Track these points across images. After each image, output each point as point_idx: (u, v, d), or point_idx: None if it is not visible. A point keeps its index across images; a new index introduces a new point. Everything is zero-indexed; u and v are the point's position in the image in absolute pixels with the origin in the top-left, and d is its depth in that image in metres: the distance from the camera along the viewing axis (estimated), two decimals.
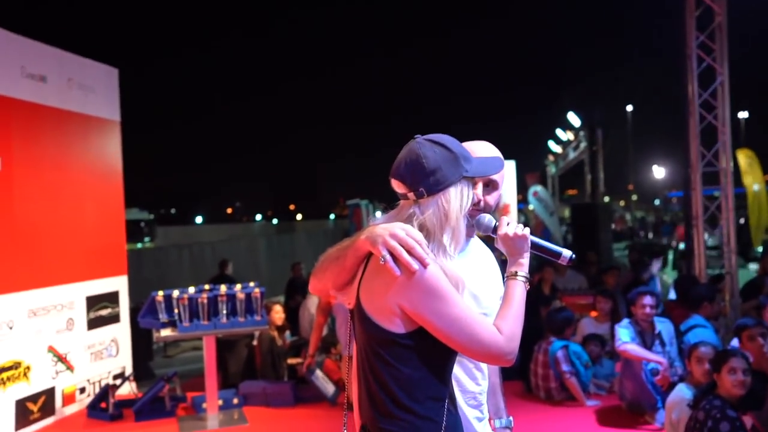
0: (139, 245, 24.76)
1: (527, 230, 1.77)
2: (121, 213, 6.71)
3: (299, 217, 62.95)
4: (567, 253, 1.77)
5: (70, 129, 5.97)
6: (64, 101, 5.87)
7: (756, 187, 14.71)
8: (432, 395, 1.58)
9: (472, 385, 1.98)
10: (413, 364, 1.57)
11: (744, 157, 14.68)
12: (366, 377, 1.62)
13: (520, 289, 1.69)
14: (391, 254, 1.54)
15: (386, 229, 1.57)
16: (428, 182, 1.59)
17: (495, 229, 1.82)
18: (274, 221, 53.37)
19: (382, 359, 1.58)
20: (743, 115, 38.17)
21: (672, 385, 4.72)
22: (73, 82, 5.94)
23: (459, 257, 1.97)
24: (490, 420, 2.18)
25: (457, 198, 1.60)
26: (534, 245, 1.79)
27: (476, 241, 2.07)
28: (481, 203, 1.85)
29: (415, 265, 1.52)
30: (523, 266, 1.73)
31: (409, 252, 1.53)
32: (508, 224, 1.78)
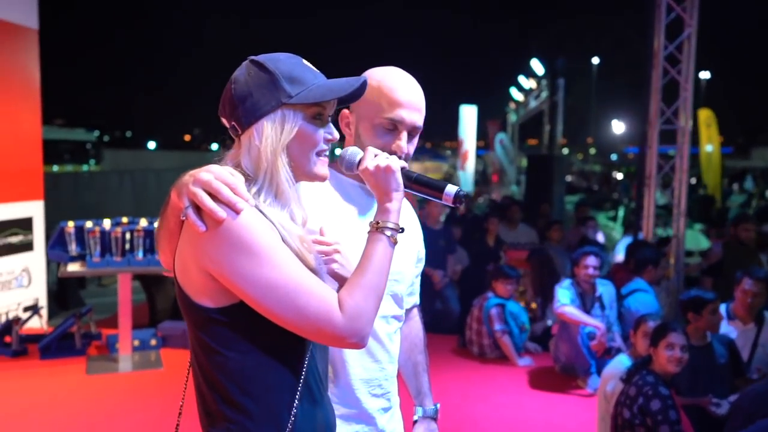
0: (85, 168, 23.75)
1: (398, 162, 1.34)
2: (37, 132, 6.12)
3: None
4: (452, 189, 1.34)
5: None
6: None
7: (709, 147, 14.78)
8: (273, 389, 1.21)
9: (375, 369, 1.61)
10: (242, 347, 1.20)
11: (704, 117, 14.68)
12: (194, 369, 1.26)
13: (382, 248, 1.26)
14: (196, 205, 1.16)
15: (192, 175, 1.19)
16: (238, 114, 1.22)
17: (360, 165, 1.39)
18: None
19: (204, 345, 1.21)
20: (705, 75, 38.38)
21: (608, 351, 4.57)
22: None
23: (358, 218, 1.61)
24: (412, 406, 1.86)
25: (273, 132, 1.21)
26: (410, 182, 1.36)
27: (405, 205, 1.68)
28: (332, 144, 1.33)
29: (222, 213, 1.14)
30: (390, 213, 1.30)
31: (216, 197, 1.15)
32: (375, 156, 1.35)
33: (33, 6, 5.88)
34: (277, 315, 1.15)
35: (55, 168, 19.73)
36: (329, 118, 1.29)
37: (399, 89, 1.55)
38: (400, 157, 1.56)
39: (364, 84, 1.30)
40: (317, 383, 1.30)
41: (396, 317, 1.68)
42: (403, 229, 1.30)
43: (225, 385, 1.20)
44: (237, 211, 1.15)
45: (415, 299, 1.84)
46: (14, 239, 5.80)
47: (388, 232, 1.27)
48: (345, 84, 1.26)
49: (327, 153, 1.29)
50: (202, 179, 1.17)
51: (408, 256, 1.69)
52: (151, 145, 55.06)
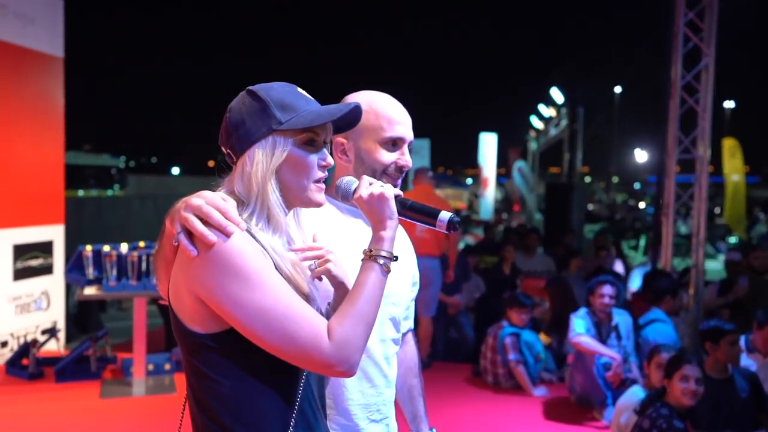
0: (110, 192, 24.10)
1: (392, 189, 1.34)
2: (60, 157, 6.25)
3: None
4: (445, 215, 1.34)
5: (3, 62, 5.47)
6: None
7: (735, 177, 14.59)
8: (267, 416, 1.21)
9: (373, 394, 1.61)
10: (234, 374, 1.19)
11: (728, 147, 14.54)
12: (188, 396, 1.27)
13: (374, 276, 1.24)
14: (189, 230, 1.18)
15: (184, 201, 1.21)
16: (232, 142, 1.25)
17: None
18: None
19: (197, 371, 1.21)
20: (729, 104, 37.98)
21: (623, 382, 4.49)
22: (8, 10, 5.41)
23: (356, 247, 1.63)
24: (408, 431, 1.86)
25: (264, 158, 1.23)
26: (404, 209, 1.36)
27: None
28: (328, 165, 1.33)
29: (212, 237, 1.15)
30: (384, 241, 1.29)
31: (207, 222, 1.16)
32: (370, 185, 1.35)
33: (59, 35, 6.04)
34: (265, 340, 1.16)
35: (81, 192, 20.06)
36: (324, 145, 1.31)
37: (392, 109, 1.64)
38: (403, 171, 1.59)
39: (355, 109, 1.32)
40: (312, 409, 1.29)
41: (394, 341, 1.69)
42: (396, 258, 1.30)
43: (217, 412, 1.20)
44: (227, 235, 1.16)
45: (410, 323, 1.85)
46: (34, 262, 5.89)
47: (381, 261, 1.27)
48: (334, 110, 1.28)
49: (324, 179, 1.30)
50: (193, 204, 1.19)
51: (404, 279, 1.71)
52: (175, 170, 55.71)
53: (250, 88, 1.28)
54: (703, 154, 6.06)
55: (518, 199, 21.48)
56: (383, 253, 1.27)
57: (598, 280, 4.81)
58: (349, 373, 1.19)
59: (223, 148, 1.29)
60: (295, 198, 1.28)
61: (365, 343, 1.21)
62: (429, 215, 1.36)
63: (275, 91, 1.26)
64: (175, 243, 1.19)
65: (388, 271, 1.27)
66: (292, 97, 1.26)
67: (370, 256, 1.27)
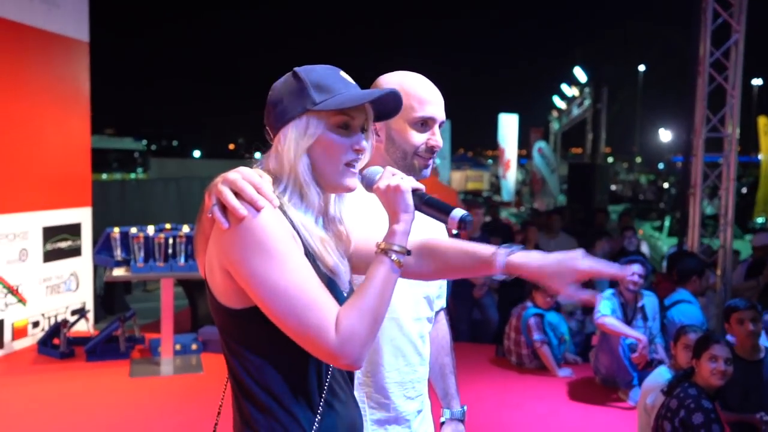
0: (132, 176, 24.38)
1: (409, 183, 1.29)
2: (86, 141, 6.32)
3: None
4: (457, 213, 1.28)
5: (30, 47, 5.53)
6: (23, 14, 5.41)
7: (761, 156, 14.28)
8: (296, 391, 1.22)
9: (408, 372, 1.63)
10: (263, 350, 1.21)
11: (763, 125, 14.23)
12: (228, 373, 1.29)
13: (384, 271, 1.21)
14: (223, 204, 1.20)
15: (222, 176, 1.23)
16: (270, 119, 1.28)
17: None
18: None
19: (230, 347, 1.24)
20: (757, 82, 37.15)
21: (650, 363, 4.47)
22: None
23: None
24: (439, 408, 1.88)
25: (296, 137, 1.24)
26: (421, 203, 1.31)
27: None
28: (361, 151, 1.29)
29: (243, 210, 1.16)
30: (396, 235, 1.24)
31: (240, 196, 1.18)
32: (393, 175, 1.30)
33: (84, 19, 6.08)
34: (277, 318, 1.16)
35: (104, 176, 20.31)
36: (363, 131, 1.30)
37: (423, 89, 1.62)
38: (434, 151, 1.58)
39: (393, 95, 1.30)
40: (341, 386, 1.30)
41: (428, 319, 1.71)
42: (410, 252, 1.27)
43: (251, 388, 1.22)
44: (258, 210, 1.17)
45: (442, 302, 1.86)
46: (63, 244, 5.99)
47: (393, 255, 1.23)
48: (367, 94, 1.27)
49: (355, 163, 1.30)
50: (230, 179, 1.21)
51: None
52: (196, 153, 56.06)
53: (295, 68, 1.29)
54: (732, 133, 5.95)
55: (539, 179, 21.31)
56: (395, 248, 1.23)
57: (628, 260, 4.77)
58: (354, 366, 1.18)
59: (266, 126, 1.32)
60: (325, 181, 1.28)
61: (372, 338, 1.19)
62: (444, 212, 1.31)
63: (315, 72, 1.27)
64: (210, 215, 1.21)
65: (400, 265, 1.24)
66: (331, 80, 1.27)
67: (382, 249, 1.24)
